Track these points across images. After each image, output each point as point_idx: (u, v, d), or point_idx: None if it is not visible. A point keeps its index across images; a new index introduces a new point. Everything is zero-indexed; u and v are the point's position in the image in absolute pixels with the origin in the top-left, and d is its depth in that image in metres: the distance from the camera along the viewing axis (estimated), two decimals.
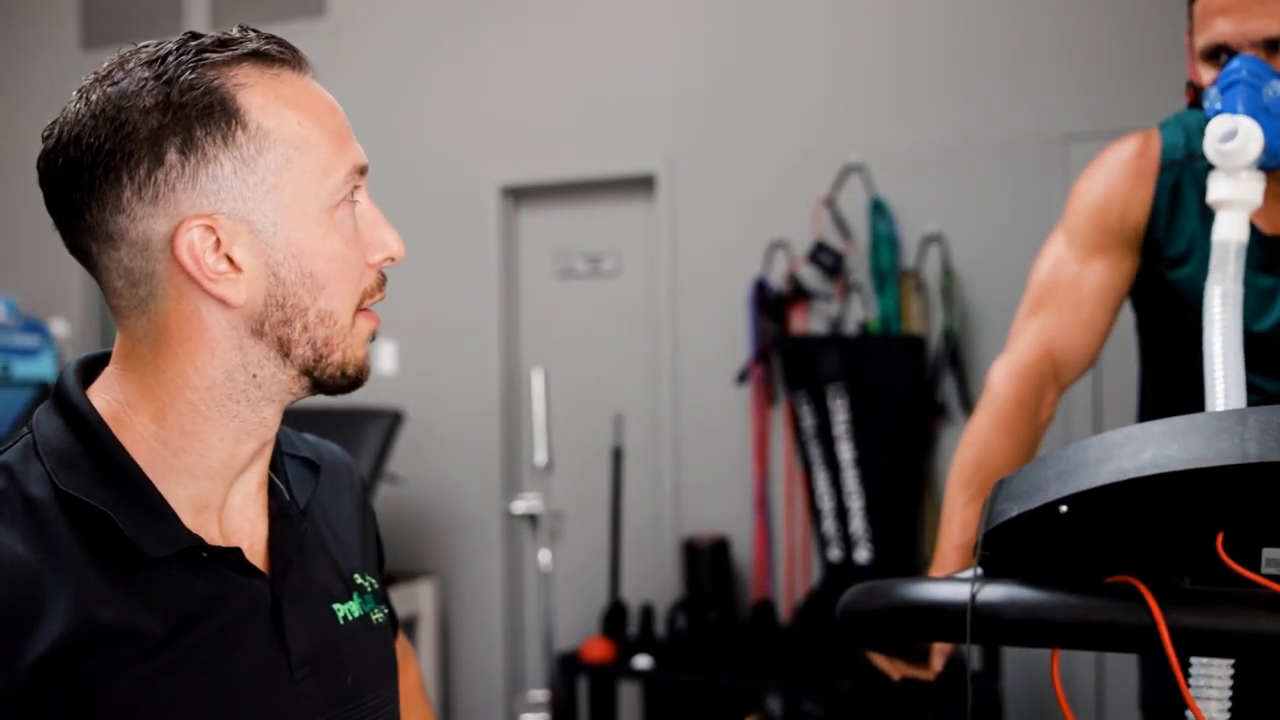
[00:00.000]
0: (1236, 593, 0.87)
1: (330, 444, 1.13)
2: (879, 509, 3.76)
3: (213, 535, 0.92)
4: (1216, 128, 1.43)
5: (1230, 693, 1.07)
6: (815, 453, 3.84)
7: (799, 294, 3.92)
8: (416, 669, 1.28)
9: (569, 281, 4.38)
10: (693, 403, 4.13)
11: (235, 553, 0.91)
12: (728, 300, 4.05)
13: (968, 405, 3.68)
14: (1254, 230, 1.59)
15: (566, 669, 3.82)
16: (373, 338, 0.95)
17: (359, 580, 1.03)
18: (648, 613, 3.96)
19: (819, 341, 3.85)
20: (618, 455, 4.11)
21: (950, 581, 0.96)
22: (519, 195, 4.44)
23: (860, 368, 3.77)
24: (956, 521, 1.55)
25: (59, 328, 5.26)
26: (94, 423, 0.88)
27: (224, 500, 0.93)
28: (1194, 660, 1.09)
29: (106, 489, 0.86)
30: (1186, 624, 0.87)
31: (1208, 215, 1.56)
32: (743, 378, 4.00)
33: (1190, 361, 1.65)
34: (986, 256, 3.74)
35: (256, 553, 0.94)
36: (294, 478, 1.00)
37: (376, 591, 1.06)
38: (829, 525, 3.83)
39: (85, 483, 0.86)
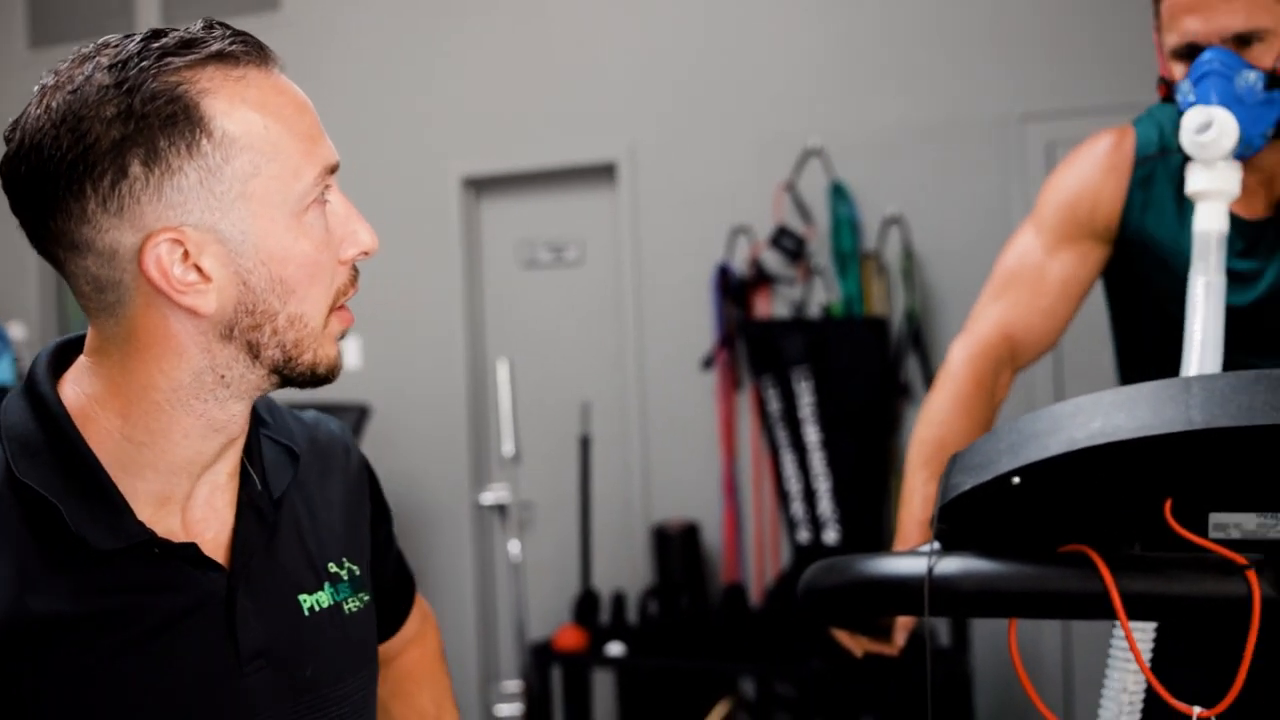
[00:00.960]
0: (1185, 558, 0.89)
1: (330, 423, 1.12)
2: (846, 490, 3.79)
3: (173, 529, 0.91)
4: (1191, 120, 1.45)
5: (1150, 655, 1.10)
6: (782, 436, 3.86)
7: (762, 279, 3.94)
8: (435, 640, 1.29)
9: (533, 271, 4.38)
10: (659, 389, 4.14)
11: (190, 548, 0.90)
12: (691, 286, 4.06)
13: (931, 385, 3.71)
14: (1234, 217, 1.61)
15: (539, 658, 3.83)
16: (343, 335, 0.94)
17: (334, 569, 1.03)
18: (619, 600, 3.98)
19: (783, 325, 3.87)
20: (585, 444, 4.12)
21: (908, 556, 0.97)
22: (481, 186, 4.43)
23: (824, 350, 3.79)
24: (917, 499, 1.57)
25: (16, 331, 5.19)
26: (58, 414, 0.88)
27: (190, 493, 0.93)
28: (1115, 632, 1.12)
29: (62, 480, 0.86)
30: (1138, 589, 0.89)
31: (1183, 208, 1.59)
32: (708, 363, 4.02)
33: (1166, 351, 1.68)
34: (946, 238, 3.77)
35: (219, 544, 0.94)
36: (271, 464, 0.99)
37: (357, 578, 1.05)
38: (797, 507, 3.85)
39: (42, 473, 0.86)
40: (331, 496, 1.06)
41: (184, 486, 0.92)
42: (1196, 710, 0.88)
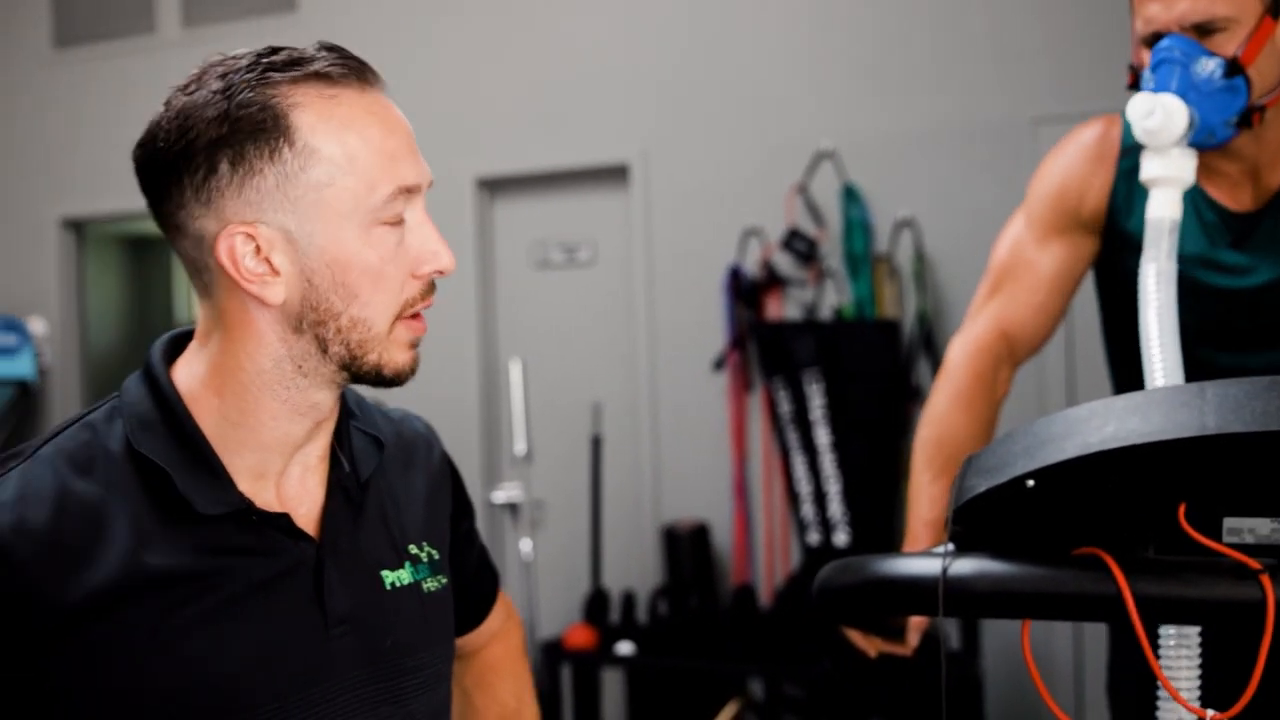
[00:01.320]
0: (1199, 561, 0.90)
1: (415, 421, 1.21)
2: (856, 492, 3.79)
3: (269, 501, 1.00)
4: (1136, 107, 1.45)
5: (1200, 664, 1.09)
6: (792, 438, 3.87)
7: (773, 281, 3.94)
8: (518, 636, 1.37)
9: (545, 272, 4.39)
10: (670, 390, 4.15)
11: (283, 518, 1.00)
12: (703, 288, 4.07)
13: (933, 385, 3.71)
14: (1221, 209, 1.62)
15: (549, 657, 3.84)
16: (416, 344, 1.02)
17: (414, 551, 1.11)
18: (629, 599, 3.99)
19: (794, 327, 3.87)
20: (597, 444, 4.13)
21: (922, 556, 0.98)
22: (494, 187, 4.44)
23: (835, 353, 3.80)
24: (924, 499, 1.57)
25: (37, 326, 5.24)
26: (169, 394, 0.98)
27: (283, 470, 1.02)
28: (1163, 632, 1.12)
29: (173, 452, 0.96)
30: (1151, 592, 0.89)
31: None
32: (719, 365, 4.03)
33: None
34: (958, 240, 3.77)
35: (310, 519, 1.03)
36: (359, 452, 1.08)
37: (436, 562, 1.13)
38: (807, 509, 3.86)
39: (155, 445, 0.96)
40: (414, 486, 1.15)
41: (277, 465, 1.02)
42: (1210, 714, 0.89)
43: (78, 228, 5.36)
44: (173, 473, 0.95)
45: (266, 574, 0.98)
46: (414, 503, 1.14)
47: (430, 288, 1.01)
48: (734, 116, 4.06)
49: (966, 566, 0.95)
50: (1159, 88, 1.47)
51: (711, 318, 4.06)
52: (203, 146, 0.93)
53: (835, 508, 3.81)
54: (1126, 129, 1.68)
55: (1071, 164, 1.71)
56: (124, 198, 5.14)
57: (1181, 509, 0.87)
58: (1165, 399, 0.85)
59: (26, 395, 5.13)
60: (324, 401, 1.01)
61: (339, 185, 0.94)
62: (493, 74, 4.36)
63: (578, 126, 4.22)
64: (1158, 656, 1.14)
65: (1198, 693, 1.10)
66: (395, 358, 1.00)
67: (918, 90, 3.84)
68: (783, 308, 3.98)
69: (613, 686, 4.09)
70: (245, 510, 0.98)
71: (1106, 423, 0.86)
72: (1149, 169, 1.46)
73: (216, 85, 0.94)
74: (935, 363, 3.74)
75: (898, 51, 3.87)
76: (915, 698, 3.46)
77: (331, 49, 0.97)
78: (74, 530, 0.93)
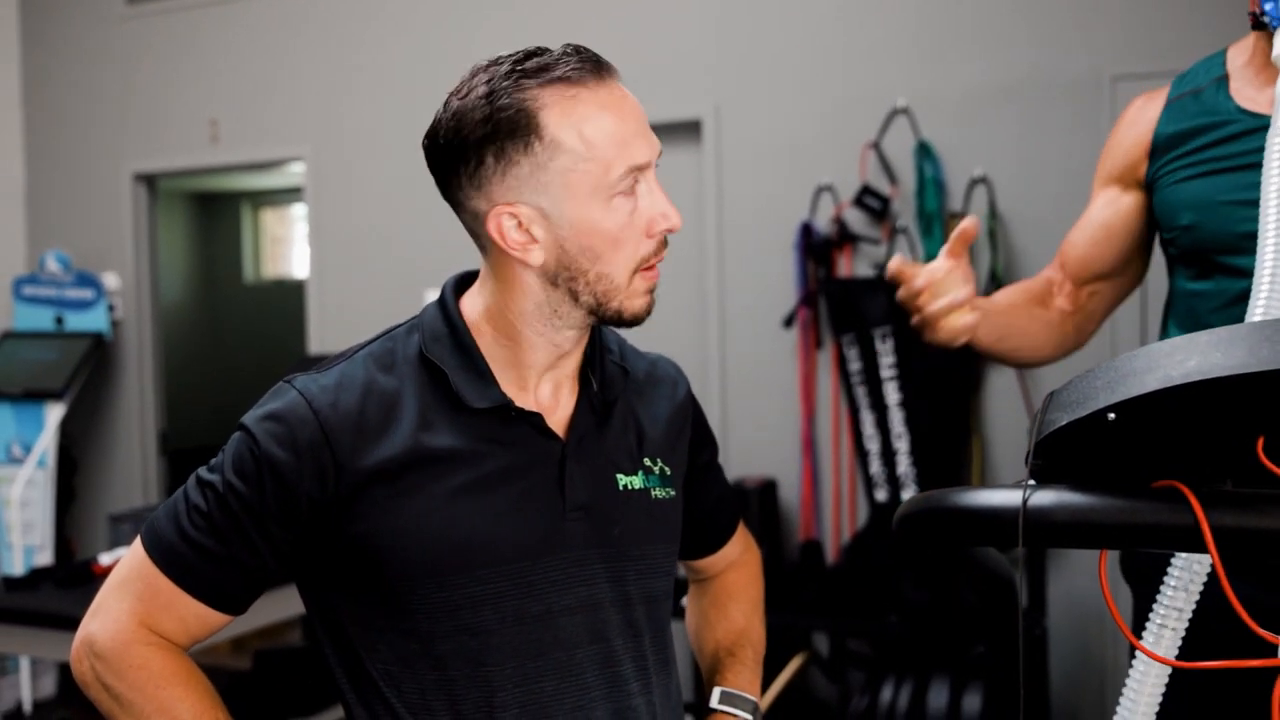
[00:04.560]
0: (1276, 494, 0.92)
1: (667, 362, 1.44)
2: (925, 450, 3.80)
3: (527, 404, 1.24)
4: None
5: (1202, 586, 1.13)
6: (861, 395, 3.88)
7: (845, 238, 3.95)
8: (755, 565, 1.59)
9: None
10: (740, 346, 4.18)
11: (536, 416, 1.23)
12: (774, 244, 4.09)
13: None
14: None
15: None
16: (652, 290, 1.23)
17: (648, 463, 1.32)
18: None
19: (865, 285, 3.88)
20: None
21: (1003, 488, 1.01)
22: None
23: (906, 311, 3.79)
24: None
25: (111, 281, 5.38)
26: (456, 318, 1.24)
27: (537, 386, 1.26)
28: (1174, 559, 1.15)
29: (454, 358, 1.22)
30: (1228, 524, 0.91)
31: (1203, 135, 1.69)
32: (789, 321, 4.05)
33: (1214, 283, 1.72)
34: (1033, 199, 3.74)
35: (559, 423, 1.26)
36: (609, 377, 1.31)
37: (668, 476, 1.33)
38: (875, 467, 3.88)
39: (442, 352, 1.22)
40: (657, 412, 1.36)
41: (534, 380, 1.25)
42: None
43: (149, 182, 5.48)
44: (450, 373, 1.20)
45: (519, 461, 1.21)
46: (655, 425, 1.35)
47: (663, 244, 1.22)
48: (807, 72, 4.05)
49: (1046, 498, 0.98)
50: (1274, 19, 1.53)
51: (782, 274, 4.08)
52: (473, 143, 1.15)
53: (904, 465, 3.83)
54: (1174, 85, 1.80)
55: (1118, 131, 1.88)
56: (193, 153, 5.27)
57: (1260, 442, 0.89)
58: (1248, 333, 0.86)
59: (100, 348, 5.27)
60: (572, 337, 1.24)
61: (580, 170, 1.15)
62: (563, 30, 4.38)
63: (650, 82, 4.24)
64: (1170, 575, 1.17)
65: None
66: (634, 303, 1.22)
67: (994, 46, 3.80)
68: (854, 265, 3.99)
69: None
70: (505, 406, 1.21)
71: (1189, 357, 0.87)
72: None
73: (482, 90, 1.16)
74: None
75: (974, 6, 3.83)
76: (980, 653, 3.48)
77: (575, 51, 1.18)
78: (374, 412, 1.18)
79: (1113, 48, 3.65)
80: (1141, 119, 1.82)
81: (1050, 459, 1.00)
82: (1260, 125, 1.61)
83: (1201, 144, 1.71)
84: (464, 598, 1.18)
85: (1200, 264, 1.72)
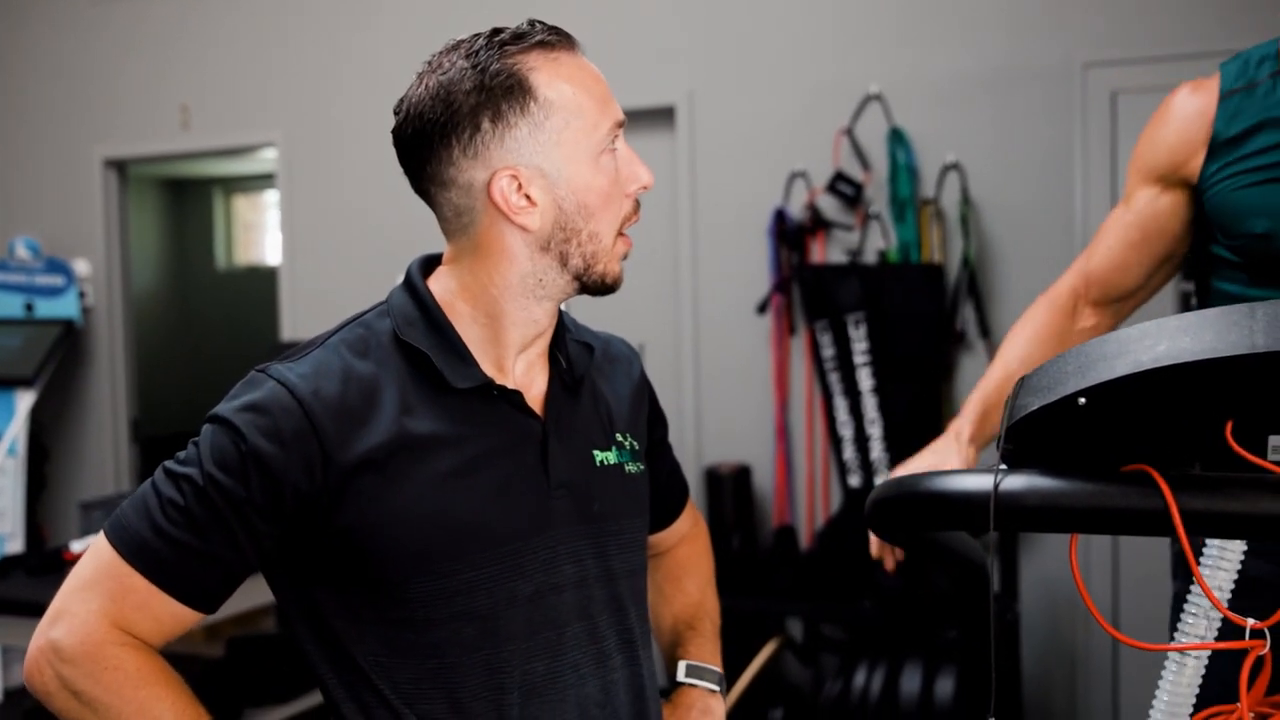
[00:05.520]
0: (1244, 478, 0.93)
1: (620, 341, 1.47)
2: (898, 435, 3.82)
3: (507, 384, 1.24)
4: None
5: (1237, 573, 1.13)
6: (835, 381, 3.90)
7: (819, 224, 3.96)
8: (704, 540, 1.61)
9: None
10: (713, 333, 4.18)
11: (517, 394, 1.24)
12: (748, 231, 4.09)
13: (986, 332, 3.73)
14: None
15: None
16: (625, 257, 1.26)
17: (619, 438, 1.34)
18: None
19: (838, 271, 3.89)
20: None
21: (975, 473, 1.02)
22: None
23: (879, 296, 3.81)
24: (965, 408, 1.72)
25: (82, 267, 5.33)
26: (428, 300, 1.23)
27: (514, 364, 1.26)
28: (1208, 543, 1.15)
29: (431, 339, 1.21)
30: (1196, 507, 0.93)
31: (1267, 133, 1.61)
32: (763, 308, 4.06)
33: (1230, 289, 1.71)
34: (1005, 185, 3.76)
35: (536, 401, 1.27)
36: (574, 354, 1.33)
37: (636, 451, 1.36)
38: (849, 452, 3.89)
39: (418, 335, 1.21)
40: (619, 389, 1.39)
41: (510, 359, 1.25)
42: (1250, 622, 0.92)
43: (120, 168, 5.43)
44: (431, 355, 1.20)
45: (502, 441, 1.22)
46: (619, 401, 1.38)
47: (637, 205, 1.25)
48: (781, 59, 4.05)
49: (1017, 482, 0.99)
50: None
51: (756, 261, 4.08)
52: (466, 112, 1.16)
53: (877, 450, 3.85)
54: (1225, 76, 1.68)
55: (1160, 129, 1.74)
56: (164, 139, 5.22)
57: (1228, 426, 0.90)
58: (1216, 318, 0.87)
59: (71, 335, 5.22)
60: (549, 311, 1.26)
61: (573, 127, 1.18)
62: (537, 13, 4.36)
63: (625, 68, 4.22)
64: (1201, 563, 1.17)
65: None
66: (614, 268, 1.25)
67: (967, 33, 3.81)
68: (827, 251, 4.00)
69: None
70: (487, 386, 1.22)
71: (1158, 342, 0.88)
72: None
73: (464, 63, 1.17)
74: (979, 307, 3.76)
75: None
76: (952, 638, 3.50)
77: (539, 23, 1.21)
78: (355, 399, 1.17)
79: (1084, 35, 3.67)
80: (1192, 113, 1.70)
81: (1021, 443, 1.01)
82: None
83: (1268, 144, 1.63)
84: (460, 583, 1.17)
85: (1266, 271, 1.65)
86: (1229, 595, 1.11)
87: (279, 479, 1.13)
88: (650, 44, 4.23)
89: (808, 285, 3.93)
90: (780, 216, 3.99)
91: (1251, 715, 0.99)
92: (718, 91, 4.14)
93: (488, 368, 1.23)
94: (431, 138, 1.18)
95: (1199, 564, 1.00)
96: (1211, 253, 1.73)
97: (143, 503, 1.16)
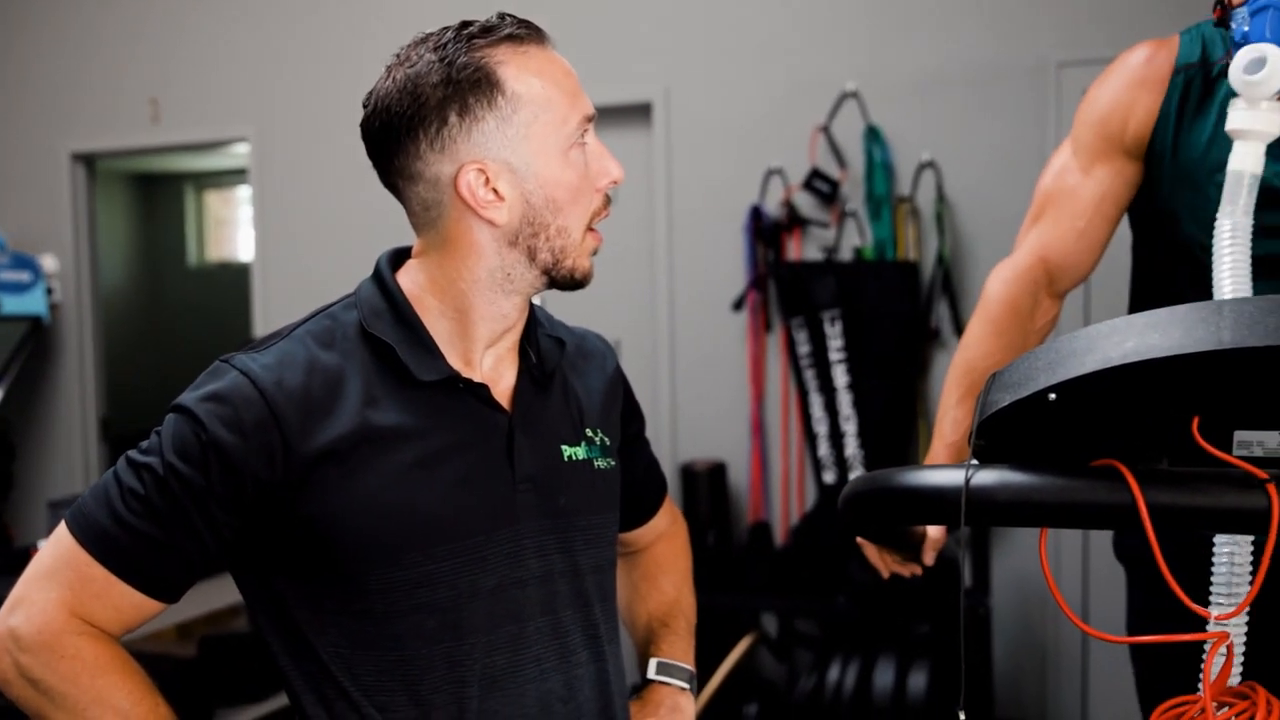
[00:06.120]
0: (1210, 472, 0.94)
1: (595, 336, 1.46)
2: (873, 432, 3.84)
3: (474, 378, 1.23)
4: (1242, 58, 1.39)
5: (1251, 574, 1.13)
6: (810, 378, 3.91)
7: (795, 221, 3.97)
8: (682, 537, 1.60)
9: None
10: (689, 329, 4.19)
11: (483, 388, 1.23)
12: (724, 227, 4.10)
13: (960, 329, 3.75)
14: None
15: None
16: (595, 252, 1.25)
17: (590, 434, 1.34)
18: None
19: (814, 268, 3.90)
20: None
21: (946, 468, 1.02)
22: None
23: (855, 294, 3.83)
24: (948, 420, 1.61)
25: (49, 263, 5.27)
26: (395, 292, 1.23)
27: (482, 358, 1.25)
28: (1218, 540, 1.16)
29: (398, 332, 1.21)
30: (1164, 501, 0.94)
31: (1219, 121, 1.55)
32: (739, 305, 4.06)
33: (1183, 286, 1.69)
34: (980, 183, 3.78)
35: (504, 395, 1.26)
36: (545, 349, 1.32)
37: (607, 447, 1.35)
38: (824, 449, 3.91)
39: (384, 327, 1.21)
40: (591, 384, 1.38)
41: (479, 353, 1.25)
42: (1214, 613, 0.93)
43: (88, 162, 5.38)
44: (397, 347, 1.19)
45: (467, 434, 1.21)
46: (591, 396, 1.37)
47: (607, 200, 1.25)
48: (758, 55, 4.06)
49: (989, 477, 0.99)
50: (1256, 35, 1.42)
51: (732, 258, 4.09)
52: (434, 105, 1.16)
53: (852, 447, 3.86)
54: (1182, 50, 1.64)
55: (1118, 88, 1.68)
56: (134, 133, 5.18)
57: (1195, 422, 0.91)
58: (1184, 315, 0.88)
59: (38, 331, 5.17)
60: (519, 305, 1.25)
61: (542, 120, 1.18)
62: (515, 8, 4.35)
63: (601, 64, 4.23)
64: (1212, 566, 1.18)
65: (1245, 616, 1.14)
66: (583, 263, 1.24)
67: (943, 32, 3.83)
68: (803, 248, 4.01)
69: None
70: (453, 379, 1.21)
71: (1127, 338, 0.89)
72: (1237, 120, 1.41)
73: (432, 56, 1.17)
74: (954, 304, 3.78)
75: None
76: (925, 633, 3.52)
77: (509, 16, 1.20)
78: (320, 391, 1.16)
79: (1059, 35, 3.69)
80: (1142, 99, 1.65)
81: (993, 439, 1.01)
82: None
83: (1206, 139, 1.61)
84: (421, 575, 1.17)
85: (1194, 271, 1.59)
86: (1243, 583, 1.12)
87: (239, 469, 1.12)
88: (627, 40, 4.23)
89: (784, 282, 3.94)
90: (756, 213, 4.00)
91: (1215, 705, 1.00)
92: (694, 88, 4.14)
93: (455, 361, 1.23)
94: (399, 131, 1.18)
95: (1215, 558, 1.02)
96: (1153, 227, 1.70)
97: (104, 492, 1.16)
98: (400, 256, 1.29)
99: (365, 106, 1.21)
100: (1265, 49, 1.39)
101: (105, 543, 1.14)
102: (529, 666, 1.23)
